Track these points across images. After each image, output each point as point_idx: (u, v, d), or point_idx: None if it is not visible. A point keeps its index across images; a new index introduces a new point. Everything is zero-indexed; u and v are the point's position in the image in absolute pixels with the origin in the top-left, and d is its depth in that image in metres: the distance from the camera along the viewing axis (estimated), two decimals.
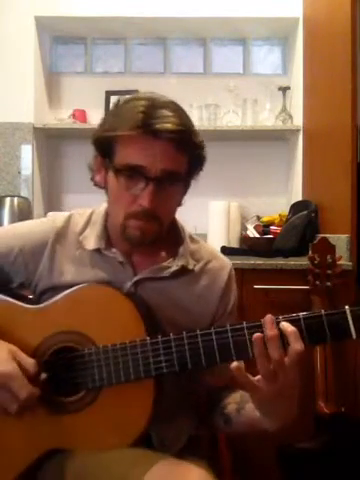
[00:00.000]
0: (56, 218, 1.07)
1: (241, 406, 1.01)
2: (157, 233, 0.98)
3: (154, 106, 0.93)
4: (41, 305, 0.99)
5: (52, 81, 2.81)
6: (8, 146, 2.53)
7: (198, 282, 1.06)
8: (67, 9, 2.54)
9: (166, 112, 0.93)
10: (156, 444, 0.98)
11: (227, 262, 1.13)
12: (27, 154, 2.54)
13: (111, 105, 1.05)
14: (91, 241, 1.03)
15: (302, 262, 1.93)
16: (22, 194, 2.51)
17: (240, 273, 1.94)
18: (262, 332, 0.84)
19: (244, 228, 2.62)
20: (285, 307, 1.91)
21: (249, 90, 2.69)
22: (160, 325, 0.98)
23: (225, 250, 2.29)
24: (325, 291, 1.81)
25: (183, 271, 1.04)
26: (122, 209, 0.96)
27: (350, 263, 1.93)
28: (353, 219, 1.94)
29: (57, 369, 0.94)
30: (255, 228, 2.55)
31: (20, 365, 0.89)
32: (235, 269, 1.13)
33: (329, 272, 1.80)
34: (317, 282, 1.81)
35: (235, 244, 2.54)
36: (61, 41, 2.85)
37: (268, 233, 2.49)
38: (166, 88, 2.72)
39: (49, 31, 2.73)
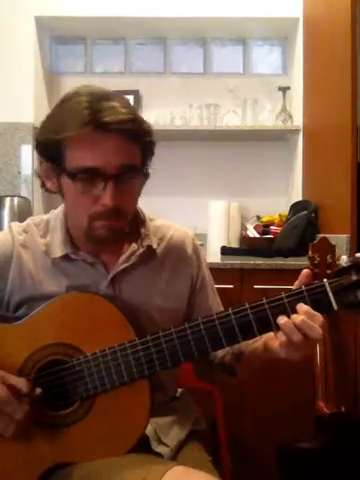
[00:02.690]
0: (15, 229, 1.03)
1: (238, 350, 1.01)
2: (123, 228, 0.95)
3: (97, 99, 0.87)
4: (21, 321, 0.94)
5: (52, 81, 2.81)
6: (8, 146, 2.53)
7: (167, 261, 1.05)
8: (67, 9, 2.54)
9: (112, 103, 0.87)
10: (153, 442, 0.96)
11: (187, 231, 1.11)
12: (27, 154, 2.54)
13: None
14: (57, 248, 0.99)
15: (302, 262, 1.93)
16: (22, 194, 2.51)
17: (240, 273, 1.93)
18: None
19: (244, 228, 2.62)
20: None
21: (249, 90, 2.70)
22: (146, 318, 0.97)
23: (225, 250, 2.29)
24: None
25: (150, 254, 1.02)
26: (84, 212, 0.92)
27: None
28: (353, 219, 1.94)
29: (47, 384, 0.91)
30: (255, 228, 2.55)
31: (11, 387, 0.86)
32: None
33: (329, 272, 1.80)
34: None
35: (235, 244, 2.54)
36: (61, 41, 2.85)
37: (268, 233, 2.49)
38: (166, 88, 2.76)
39: (49, 31, 2.73)
